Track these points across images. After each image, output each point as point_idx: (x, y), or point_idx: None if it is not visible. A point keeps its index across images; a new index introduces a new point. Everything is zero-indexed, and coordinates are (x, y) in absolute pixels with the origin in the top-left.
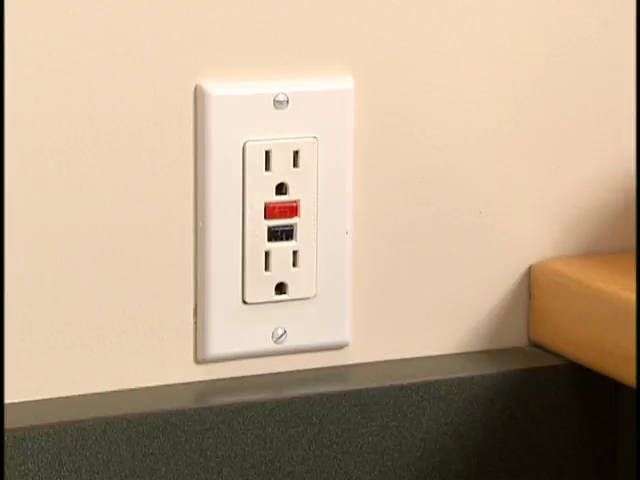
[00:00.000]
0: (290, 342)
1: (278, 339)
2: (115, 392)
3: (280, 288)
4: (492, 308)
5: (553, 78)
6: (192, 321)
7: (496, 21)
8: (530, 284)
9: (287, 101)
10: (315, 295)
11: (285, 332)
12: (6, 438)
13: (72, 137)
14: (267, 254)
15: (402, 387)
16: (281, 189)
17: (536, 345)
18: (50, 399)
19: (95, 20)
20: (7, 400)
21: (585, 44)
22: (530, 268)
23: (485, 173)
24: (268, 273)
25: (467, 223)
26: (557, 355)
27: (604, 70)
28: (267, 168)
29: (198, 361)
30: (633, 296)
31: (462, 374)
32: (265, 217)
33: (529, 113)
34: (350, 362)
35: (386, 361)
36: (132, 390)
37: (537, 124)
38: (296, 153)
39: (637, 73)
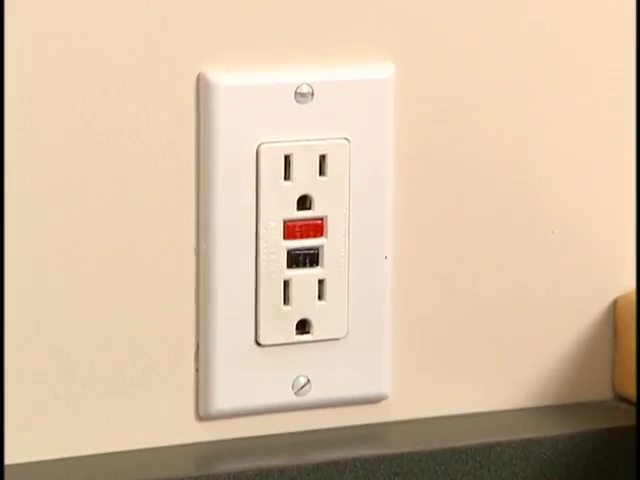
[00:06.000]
0: (315, 394)
1: (300, 390)
2: (101, 455)
3: (302, 326)
4: (566, 352)
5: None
6: (193, 368)
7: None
8: (615, 321)
9: (312, 93)
10: (346, 335)
11: (309, 381)
12: None
13: (60, 139)
14: (286, 284)
15: (454, 451)
16: (304, 203)
17: (622, 398)
18: (25, 464)
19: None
20: None
21: None
22: (615, 301)
23: (559, 182)
24: (287, 308)
25: (536, 245)
26: None
27: None
28: (287, 177)
29: (201, 417)
30: None
31: (529, 435)
32: (284, 238)
33: (610, 106)
34: (389, 419)
35: (433, 418)
36: (121, 453)
37: (622, 120)
38: (323, 158)
39: (638, 74)
